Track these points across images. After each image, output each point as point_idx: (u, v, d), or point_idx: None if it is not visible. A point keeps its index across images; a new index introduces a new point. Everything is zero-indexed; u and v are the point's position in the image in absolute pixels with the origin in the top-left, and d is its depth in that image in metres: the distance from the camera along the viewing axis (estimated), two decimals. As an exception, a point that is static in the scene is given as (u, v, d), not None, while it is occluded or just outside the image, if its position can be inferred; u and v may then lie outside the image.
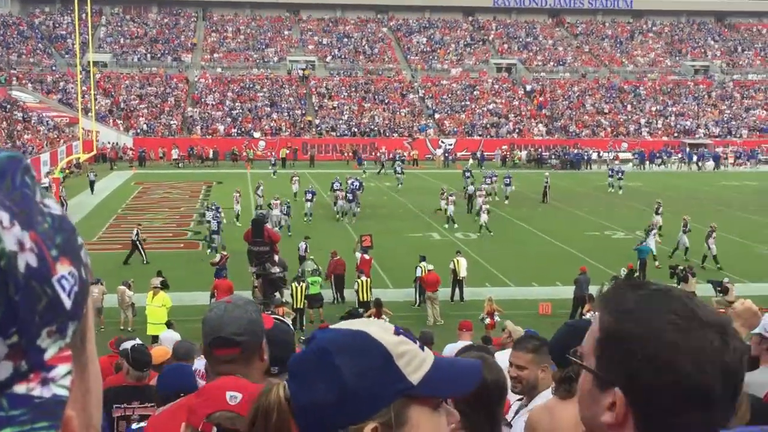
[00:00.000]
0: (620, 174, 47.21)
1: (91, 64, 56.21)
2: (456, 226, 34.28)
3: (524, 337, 5.15)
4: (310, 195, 36.22)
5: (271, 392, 1.38)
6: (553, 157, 62.89)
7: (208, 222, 31.17)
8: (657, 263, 26.37)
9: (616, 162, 59.75)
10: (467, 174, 41.95)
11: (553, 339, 4.21)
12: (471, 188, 39.63)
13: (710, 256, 27.60)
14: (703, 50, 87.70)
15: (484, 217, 33.43)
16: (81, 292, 0.83)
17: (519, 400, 4.78)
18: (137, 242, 28.46)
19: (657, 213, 33.31)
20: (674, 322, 1.32)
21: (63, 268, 0.81)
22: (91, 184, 44.36)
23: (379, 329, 1.36)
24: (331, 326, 1.41)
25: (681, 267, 23.56)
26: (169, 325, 17.33)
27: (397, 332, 1.37)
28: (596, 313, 1.43)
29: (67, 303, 0.81)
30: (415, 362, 1.33)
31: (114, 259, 27.65)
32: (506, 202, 40.18)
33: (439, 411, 1.36)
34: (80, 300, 0.83)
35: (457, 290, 24.03)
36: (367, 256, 24.13)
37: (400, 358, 1.32)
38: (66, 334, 0.82)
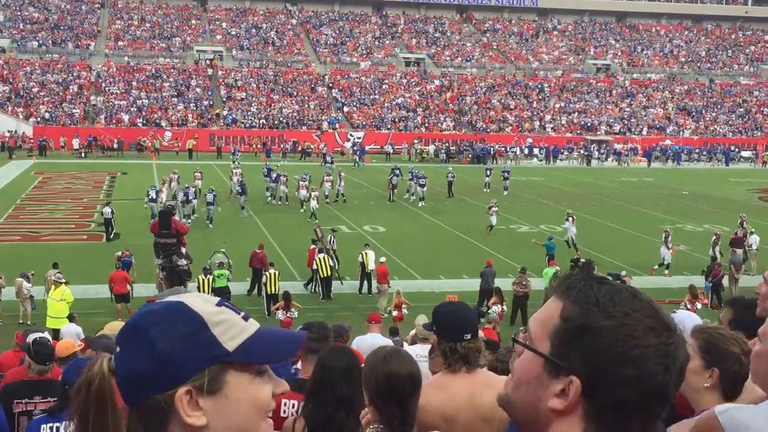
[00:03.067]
0: (506, 173, 45.81)
1: (-11, 49, 54.26)
2: (317, 221, 34.60)
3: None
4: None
5: (95, 364, 1.43)
6: (438, 151, 63.74)
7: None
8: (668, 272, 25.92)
9: (521, 157, 60.81)
10: (396, 171, 42.38)
11: (445, 315, 3.90)
12: (395, 179, 41.55)
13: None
14: (605, 49, 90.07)
15: (313, 204, 34.45)
16: None
17: None
18: (111, 221, 29.21)
19: (742, 227, 29.05)
20: (645, 323, 1.35)
21: None
22: None
23: (200, 300, 1.44)
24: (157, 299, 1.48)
25: (582, 261, 24.06)
26: (70, 318, 16.95)
27: (219, 304, 1.44)
28: (553, 299, 1.43)
29: None
30: (233, 331, 1.40)
31: (13, 251, 26.75)
32: (421, 203, 39.72)
33: (263, 378, 1.43)
34: None
35: (365, 283, 24.10)
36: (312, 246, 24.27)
37: (216, 326, 1.39)
38: None
